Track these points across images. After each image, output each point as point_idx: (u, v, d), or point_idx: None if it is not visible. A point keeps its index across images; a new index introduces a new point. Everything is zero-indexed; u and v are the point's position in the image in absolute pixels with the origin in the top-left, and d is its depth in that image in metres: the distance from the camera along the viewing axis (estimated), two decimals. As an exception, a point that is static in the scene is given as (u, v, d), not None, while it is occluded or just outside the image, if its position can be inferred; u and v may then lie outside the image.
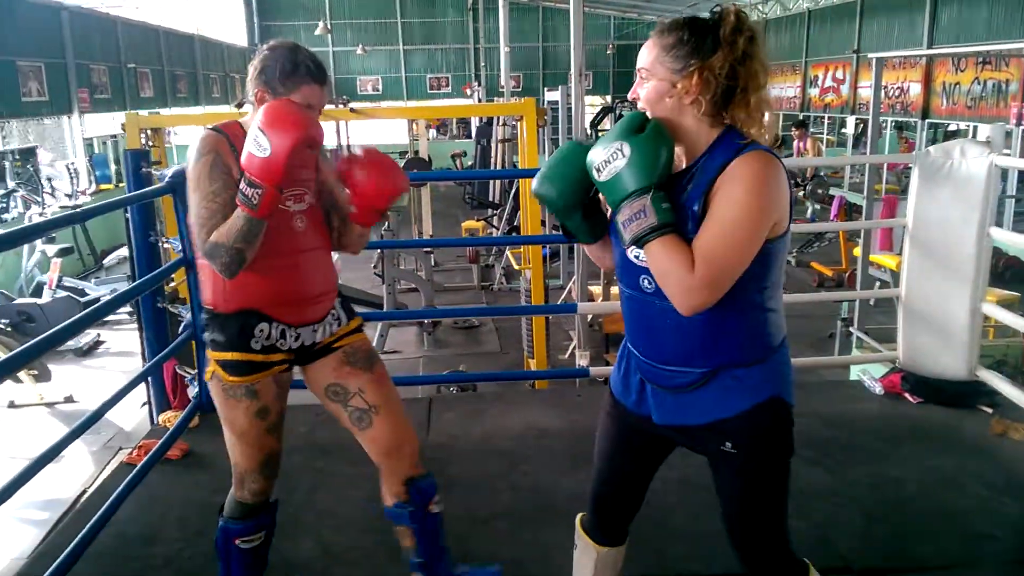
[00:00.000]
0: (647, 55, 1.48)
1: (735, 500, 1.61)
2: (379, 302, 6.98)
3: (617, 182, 1.42)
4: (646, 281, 1.51)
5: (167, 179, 2.95)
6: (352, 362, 2.00)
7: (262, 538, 2.09)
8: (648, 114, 1.48)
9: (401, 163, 12.25)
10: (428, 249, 8.12)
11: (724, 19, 1.43)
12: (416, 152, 10.48)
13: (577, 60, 5.52)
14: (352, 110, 5.15)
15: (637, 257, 1.50)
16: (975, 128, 12.33)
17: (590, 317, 6.34)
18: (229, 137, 1.81)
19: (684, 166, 1.50)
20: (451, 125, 27.71)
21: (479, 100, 19.88)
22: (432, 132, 27.86)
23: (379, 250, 6.96)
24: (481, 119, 15.63)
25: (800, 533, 2.46)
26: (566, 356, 6.58)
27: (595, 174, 1.45)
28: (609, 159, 1.42)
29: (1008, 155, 10.99)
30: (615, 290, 7.36)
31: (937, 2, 14.19)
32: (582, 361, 5.16)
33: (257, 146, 1.68)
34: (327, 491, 2.78)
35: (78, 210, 2.69)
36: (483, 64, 23.09)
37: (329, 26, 24.93)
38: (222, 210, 1.76)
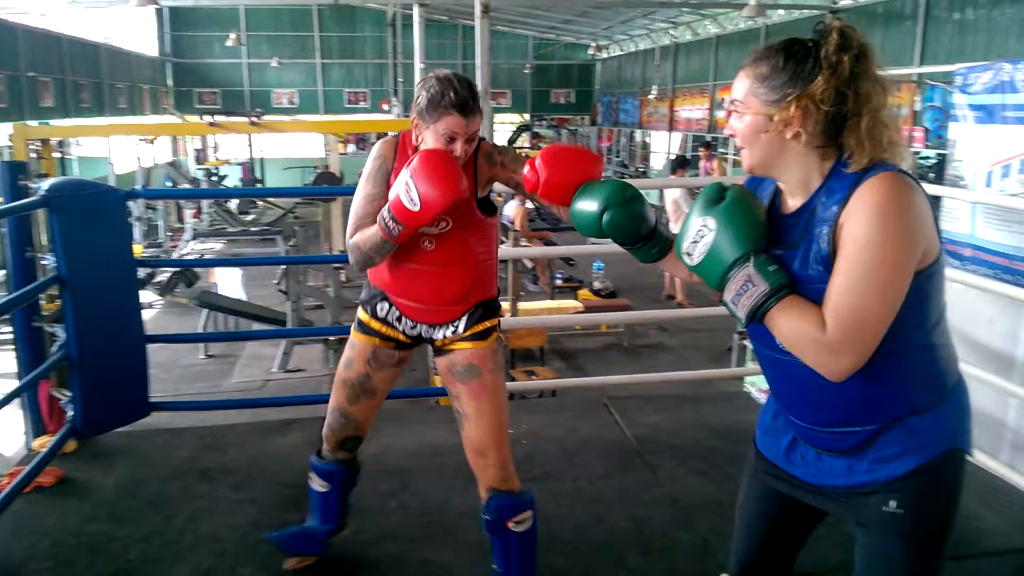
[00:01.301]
0: (739, 87, 1.33)
1: (888, 568, 1.39)
2: (282, 319, 6.84)
3: (713, 259, 1.28)
4: None
5: (42, 192, 2.83)
6: (453, 371, 2.14)
7: (330, 488, 2.34)
8: (745, 153, 1.34)
9: (312, 178, 12.10)
10: (337, 265, 7.99)
11: (826, 37, 1.25)
12: (327, 167, 10.35)
13: (484, 78, 5.56)
14: (252, 123, 5.03)
15: None
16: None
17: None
18: (398, 145, 2.03)
19: (799, 207, 1.33)
20: (371, 140, 27.44)
21: (397, 115, 19.75)
22: (351, 147, 27.55)
23: (283, 266, 6.83)
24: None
25: (683, 544, 2.53)
26: (475, 372, 6.55)
27: (686, 259, 1.32)
28: (696, 239, 1.30)
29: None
30: (523, 306, 7.43)
31: (834, 30, 14.92)
32: (486, 377, 5.13)
33: (408, 198, 1.81)
34: (210, 517, 2.69)
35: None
36: (401, 79, 22.96)
37: (243, 38, 24.40)
38: (374, 213, 1.97)
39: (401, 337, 2.19)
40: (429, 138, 1.92)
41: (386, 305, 2.15)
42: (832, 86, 1.24)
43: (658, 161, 23.12)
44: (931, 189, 8.14)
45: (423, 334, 2.17)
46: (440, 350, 2.18)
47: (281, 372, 6.97)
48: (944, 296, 1.34)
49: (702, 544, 2.52)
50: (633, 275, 9.76)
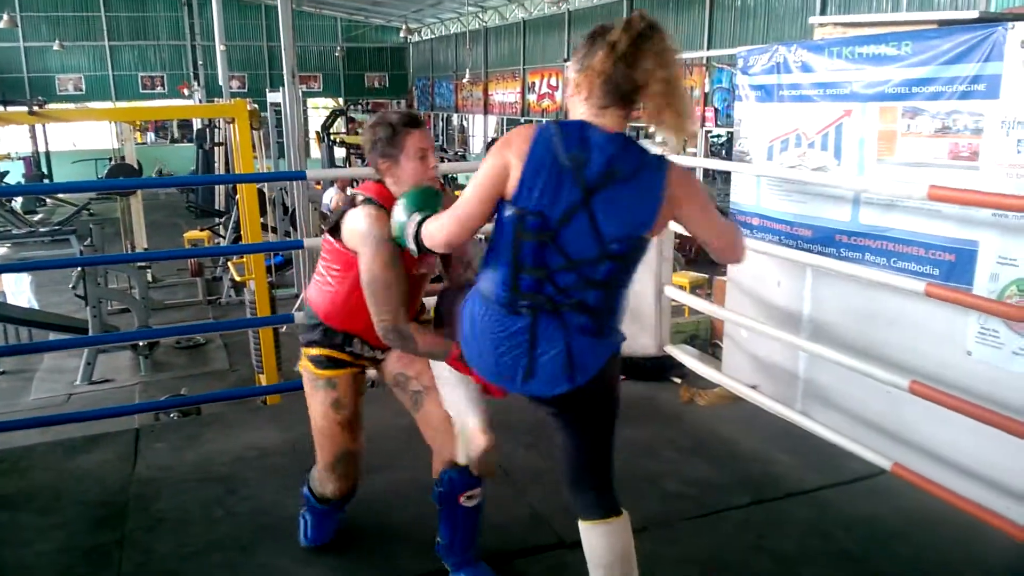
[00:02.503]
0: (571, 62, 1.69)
1: None
2: (82, 327, 6.30)
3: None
4: None
5: None
6: None
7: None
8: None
9: (106, 171, 11.26)
10: (143, 264, 7.46)
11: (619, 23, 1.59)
12: (123, 158, 9.60)
13: (289, 61, 5.39)
14: (31, 112, 4.57)
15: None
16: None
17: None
18: (384, 206, 2.03)
19: None
20: (172, 128, 25.81)
21: (199, 101, 18.63)
22: (150, 135, 25.72)
23: (79, 269, 6.27)
24: (203, 121, 14.70)
25: (518, 515, 2.60)
26: (301, 367, 6.37)
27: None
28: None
29: (695, 154, 12.47)
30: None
31: (632, 15, 15.74)
32: (312, 371, 5.01)
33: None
34: (13, 547, 2.46)
35: None
36: (201, 63, 21.68)
37: (18, 19, 22.11)
38: (399, 297, 2.04)
39: (365, 363, 2.27)
40: (407, 167, 2.03)
41: (358, 342, 2.21)
42: (610, 60, 1.58)
43: (476, 145, 23.38)
44: (721, 165, 8.82)
45: (382, 353, 2.26)
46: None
47: (86, 384, 6.44)
48: (510, 252, 1.68)
49: (536, 514, 2.61)
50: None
